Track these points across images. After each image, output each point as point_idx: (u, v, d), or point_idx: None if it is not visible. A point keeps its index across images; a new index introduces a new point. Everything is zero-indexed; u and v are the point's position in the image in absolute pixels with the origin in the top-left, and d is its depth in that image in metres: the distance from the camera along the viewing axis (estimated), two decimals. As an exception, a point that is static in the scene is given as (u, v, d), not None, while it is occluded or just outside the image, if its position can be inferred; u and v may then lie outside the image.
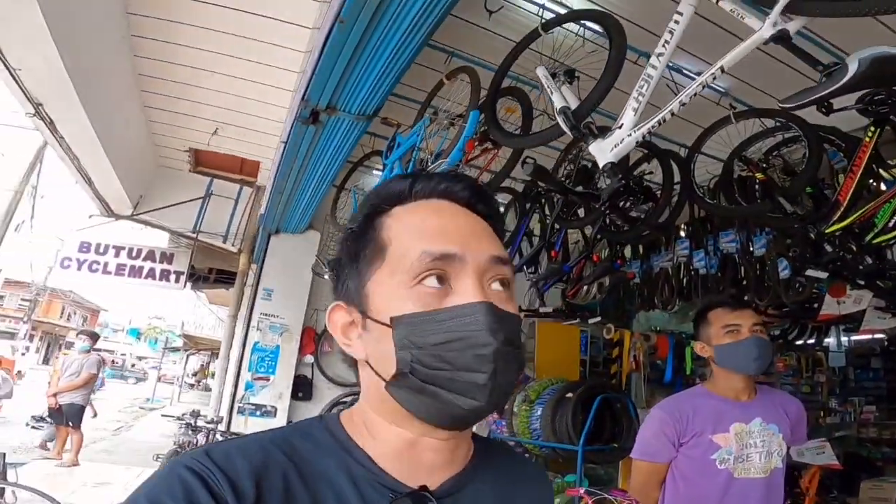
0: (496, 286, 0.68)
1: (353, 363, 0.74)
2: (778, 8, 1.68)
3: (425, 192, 0.71)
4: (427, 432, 0.67)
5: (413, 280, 0.64)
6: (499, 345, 0.62)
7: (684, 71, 3.24)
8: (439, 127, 3.33)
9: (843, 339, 6.87)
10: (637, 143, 2.41)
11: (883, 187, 3.18)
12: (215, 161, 6.04)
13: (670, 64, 2.73)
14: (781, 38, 1.71)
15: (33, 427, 7.27)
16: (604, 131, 2.44)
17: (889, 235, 3.20)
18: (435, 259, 0.64)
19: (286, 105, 3.97)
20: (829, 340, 6.73)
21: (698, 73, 2.02)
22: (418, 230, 0.67)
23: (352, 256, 0.70)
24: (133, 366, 31.11)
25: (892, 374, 7.26)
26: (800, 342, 6.16)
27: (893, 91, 2.38)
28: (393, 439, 0.68)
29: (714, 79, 1.94)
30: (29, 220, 12.05)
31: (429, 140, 3.36)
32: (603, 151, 2.41)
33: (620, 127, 2.34)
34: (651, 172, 3.47)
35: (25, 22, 2.85)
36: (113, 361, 32.34)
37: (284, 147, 3.82)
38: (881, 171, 3.10)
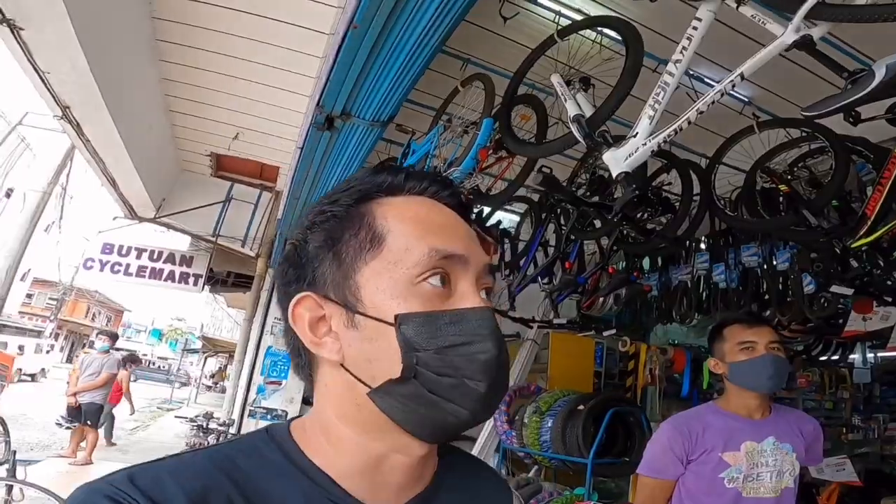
0: (483, 295, 0.64)
1: (306, 364, 0.67)
2: (801, 13, 1.62)
3: (418, 190, 0.67)
4: (402, 447, 0.62)
5: (418, 277, 0.60)
6: (501, 353, 0.60)
7: (705, 79, 3.17)
8: (453, 134, 3.32)
9: (869, 355, 6.69)
10: (652, 152, 2.35)
11: (915, 202, 3.08)
12: (236, 166, 6.12)
13: (691, 72, 2.68)
14: (805, 44, 1.66)
15: (67, 427, 7.38)
16: (618, 140, 2.39)
17: (918, 251, 3.11)
18: (443, 258, 0.61)
19: (304, 110, 4.01)
20: (854, 357, 6.54)
21: (719, 82, 1.97)
22: (423, 225, 0.63)
23: (330, 242, 0.64)
24: (179, 370, 30.74)
25: (920, 391, 7.03)
26: (823, 358, 5.95)
27: (929, 99, 2.28)
28: (359, 454, 0.62)
29: (734, 86, 1.89)
30: (58, 221, 12.39)
31: (443, 147, 3.35)
32: (617, 161, 2.36)
33: (635, 136, 2.28)
34: (670, 183, 3.43)
35: (54, 26, 2.92)
36: (159, 367, 32.55)
37: (300, 153, 3.85)
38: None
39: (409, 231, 0.62)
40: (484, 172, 3.47)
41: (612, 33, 2.63)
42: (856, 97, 1.58)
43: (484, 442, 4.44)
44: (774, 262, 4.00)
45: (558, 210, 4.02)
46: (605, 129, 2.49)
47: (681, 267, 4.49)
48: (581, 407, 3.77)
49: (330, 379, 0.64)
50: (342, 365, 0.62)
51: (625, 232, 3.93)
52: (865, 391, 7.09)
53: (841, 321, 4.45)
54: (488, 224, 3.97)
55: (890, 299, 4.03)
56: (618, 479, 3.64)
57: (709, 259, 4.29)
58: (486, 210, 3.97)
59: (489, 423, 4.50)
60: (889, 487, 5.37)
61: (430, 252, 0.60)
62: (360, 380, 0.60)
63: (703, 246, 4.40)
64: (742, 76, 1.84)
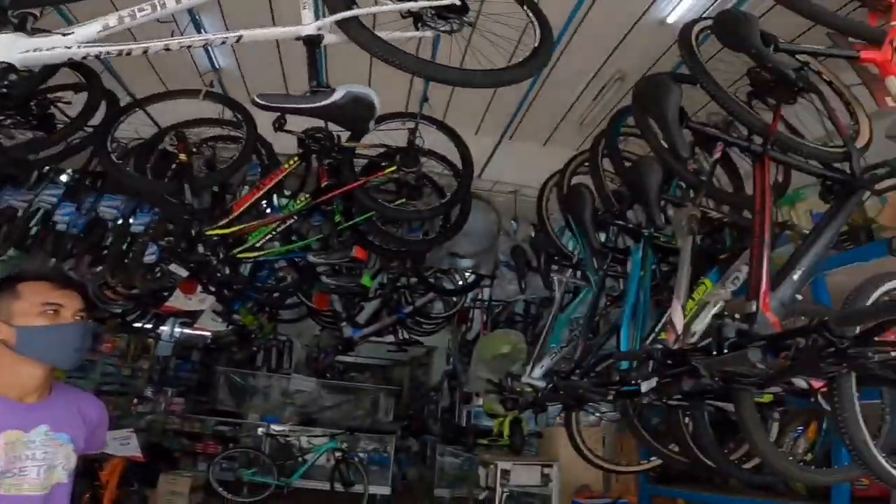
0: None
1: None
2: (337, 17, 1.69)
3: None
4: None
5: None
6: None
7: (203, 29, 2.96)
8: None
9: (177, 330, 7.36)
10: (70, 60, 2.01)
11: (269, 211, 3.67)
12: None
13: (196, 14, 2.52)
14: (312, 41, 1.72)
15: None
16: (40, 32, 1.87)
17: (253, 254, 3.69)
18: None
19: None
20: (164, 329, 7.05)
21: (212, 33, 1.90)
22: None
23: None
24: None
25: (206, 367, 8.16)
26: (137, 325, 6.10)
27: (329, 135, 2.81)
28: None
29: (223, 43, 1.78)
30: None
31: None
32: (10, 48, 1.80)
33: (68, 35, 1.83)
34: (70, 103, 2.96)
35: None
36: None
37: None
38: (275, 197, 3.57)
39: None
40: None
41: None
42: (307, 105, 1.77)
43: None
44: (131, 222, 3.98)
45: None
46: (33, 13, 1.89)
47: (20, 191, 3.86)
48: None
49: None
50: None
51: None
52: (163, 363, 7.70)
53: (166, 294, 4.73)
54: None
55: (213, 288, 4.60)
56: None
57: (61, 195, 3.90)
58: None
59: None
60: (168, 462, 5.87)
61: None
62: None
63: (63, 178, 4.01)
64: (239, 38, 1.74)
